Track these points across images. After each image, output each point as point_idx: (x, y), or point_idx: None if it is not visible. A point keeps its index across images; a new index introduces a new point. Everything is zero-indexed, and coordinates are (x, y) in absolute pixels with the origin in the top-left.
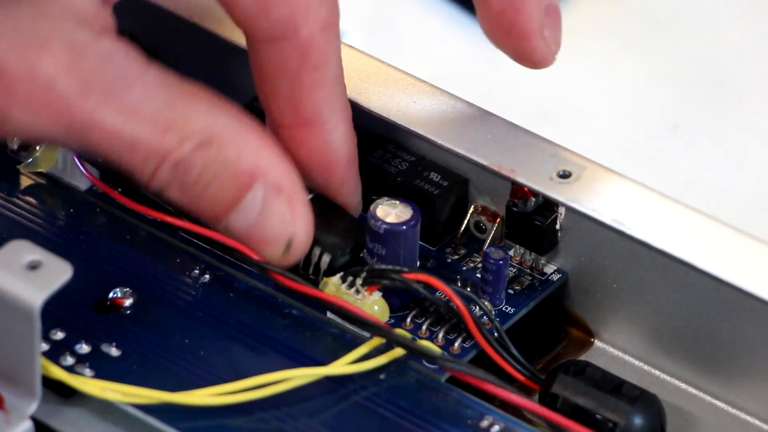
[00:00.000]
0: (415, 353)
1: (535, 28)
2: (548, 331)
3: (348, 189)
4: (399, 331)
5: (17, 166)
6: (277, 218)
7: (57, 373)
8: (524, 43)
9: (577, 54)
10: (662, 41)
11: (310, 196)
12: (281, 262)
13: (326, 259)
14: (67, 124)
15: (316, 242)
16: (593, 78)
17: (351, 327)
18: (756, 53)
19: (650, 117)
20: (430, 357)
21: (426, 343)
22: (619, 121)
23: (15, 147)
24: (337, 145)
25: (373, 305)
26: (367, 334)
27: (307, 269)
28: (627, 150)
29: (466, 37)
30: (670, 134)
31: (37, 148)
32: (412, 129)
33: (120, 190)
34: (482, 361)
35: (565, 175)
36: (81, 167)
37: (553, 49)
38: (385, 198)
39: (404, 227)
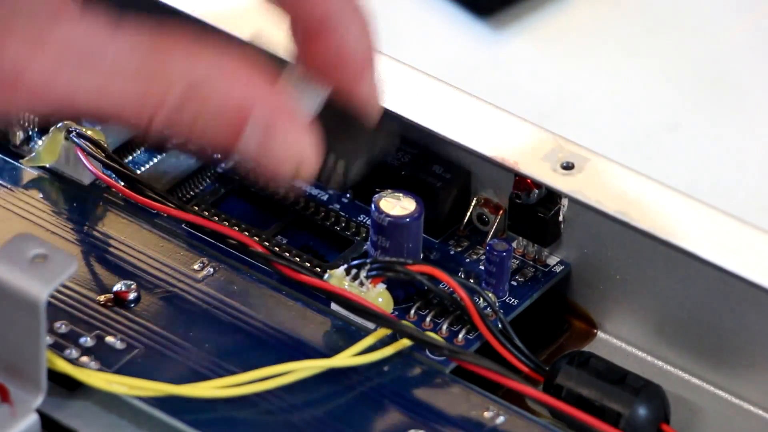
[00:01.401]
0: (420, 343)
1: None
2: (552, 323)
3: (365, 88)
4: (403, 322)
5: (20, 161)
6: (281, 138)
7: (62, 366)
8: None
9: (577, 53)
10: (662, 41)
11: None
12: (299, 177)
13: (341, 164)
14: (47, 104)
15: (330, 150)
16: (593, 77)
17: (355, 319)
18: (756, 53)
19: (650, 116)
20: (436, 347)
21: (430, 335)
22: (619, 121)
23: (18, 142)
24: (351, 45)
25: (378, 297)
26: (371, 326)
27: (326, 182)
28: (627, 150)
29: (467, 36)
30: (670, 134)
31: (39, 143)
32: (416, 122)
33: (123, 183)
34: (486, 352)
35: (568, 167)
36: (84, 161)
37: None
38: (389, 190)
39: (408, 219)
